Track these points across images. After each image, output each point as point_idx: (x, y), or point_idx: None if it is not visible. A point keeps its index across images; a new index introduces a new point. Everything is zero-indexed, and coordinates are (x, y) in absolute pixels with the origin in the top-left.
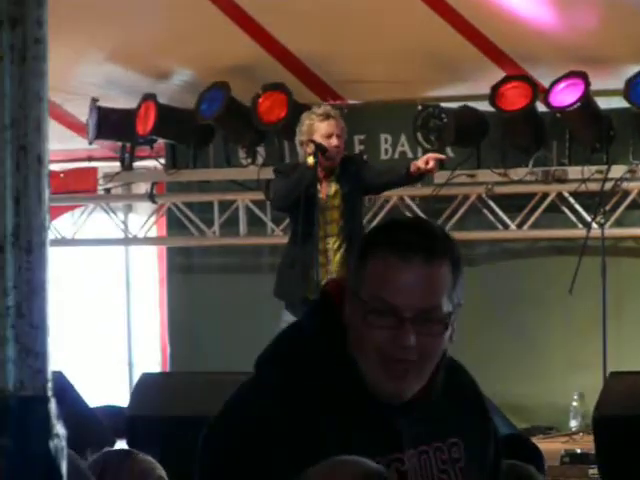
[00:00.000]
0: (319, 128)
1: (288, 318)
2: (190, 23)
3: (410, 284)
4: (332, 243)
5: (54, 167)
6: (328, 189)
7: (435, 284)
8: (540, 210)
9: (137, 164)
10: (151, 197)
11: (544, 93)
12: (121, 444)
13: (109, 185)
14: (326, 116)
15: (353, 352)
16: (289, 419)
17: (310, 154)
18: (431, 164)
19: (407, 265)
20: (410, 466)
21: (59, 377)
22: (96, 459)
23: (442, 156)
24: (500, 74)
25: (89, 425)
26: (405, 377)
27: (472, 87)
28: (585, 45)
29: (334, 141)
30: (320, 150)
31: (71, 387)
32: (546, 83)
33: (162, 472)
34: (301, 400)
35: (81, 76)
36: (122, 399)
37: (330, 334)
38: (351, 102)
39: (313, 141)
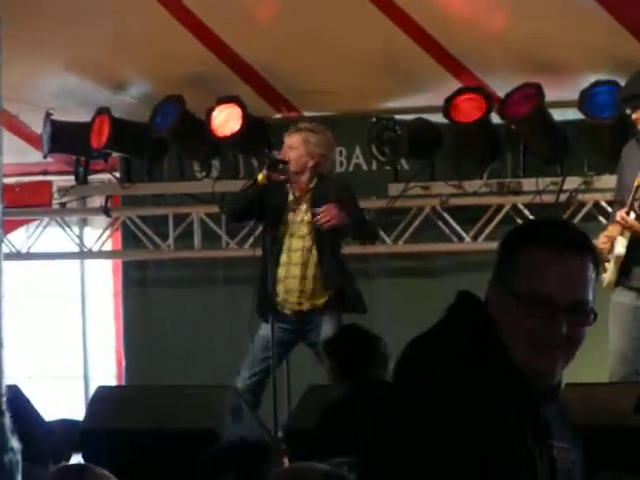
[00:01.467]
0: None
1: (263, 330)
2: (146, 34)
3: (565, 276)
4: (295, 258)
5: (8, 180)
6: (301, 205)
7: (585, 277)
8: (495, 222)
9: (92, 177)
10: (106, 211)
11: (499, 104)
12: (77, 458)
13: (64, 199)
14: (293, 130)
15: (504, 341)
16: (485, 411)
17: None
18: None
19: (562, 258)
20: (557, 453)
21: (14, 391)
22: (52, 474)
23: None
24: (455, 84)
25: (44, 439)
26: (554, 355)
27: (427, 98)
28: (541, 54)
29: (285, 153)
30: (269, 161)
31: (26, 401)
32: (501, 93)
33: None
34: (483, 392)
35: (37, 86)
36: (78, 413)
37: (479, 328)
38: (306, 113)
39: (265, 154)
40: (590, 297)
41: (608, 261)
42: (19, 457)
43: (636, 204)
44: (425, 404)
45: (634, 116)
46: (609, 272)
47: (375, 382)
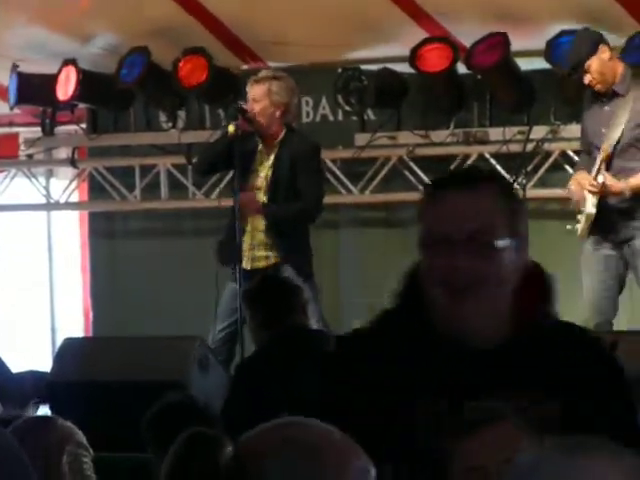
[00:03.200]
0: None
1: (230, 285)
2: None
3: (455, 208)
4: None
5: None
6: (267, 159)
7: (479, 207)
8: None
9: (58, 129)
10: (72, 162)
11: (465, 53)
12: (44, 409)
13: (30, 151)
14: (252, 82)
15: (427, 302)
16: (359, 360)
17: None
18: None
19: (450, 193)
20: (469, 412)
21: None
22: (15, 426)
23: None
24: (421, 33)
25: (12, 390)
26: (464, 300)
27: (394, 48)
28: (507, 3)
29: (250, 104)
30: (238, 112)
31: None
32: (467, 42)
33: (82, 438)
34: (374, 344)
35: (3, 38)
36: (45, 365)
37: (411, 301)
38: (272, 64)
39: (233, 104)
40: (492, 227)
41: (580, 212)
42: None
43: (602, 170)
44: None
45: (586, 81)
46: (581, 225)
47: (297, 329)
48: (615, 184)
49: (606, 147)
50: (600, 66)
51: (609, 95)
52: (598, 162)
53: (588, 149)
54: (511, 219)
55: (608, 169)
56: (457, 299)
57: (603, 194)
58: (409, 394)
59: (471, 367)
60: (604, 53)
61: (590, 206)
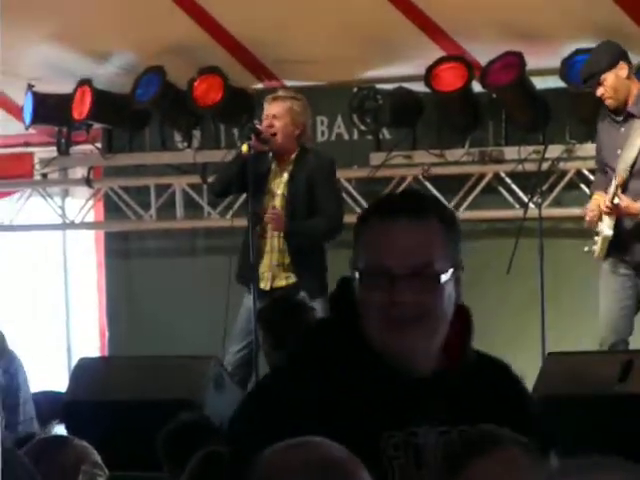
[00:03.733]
0: (264, 110)
1: (246, 302)
2: (128, 4)
3: (397, 242)
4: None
5: None
6: (281, 177)
7: (423, 240)
8: (477, 191)
9: (74, 149)
10: (88, 182)
11: (480, 72)
12: (60, 429)
13: (46, 170)
14: (271, 99)
15: (363, 326)
16: (302, 391)
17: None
18: None
19: (393, 224)
20: (425, 441)
21: None
22: (31, 446)
23: None
24: (437, 52)
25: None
26: (406, 333)
27: (409, 66)
28: (522, 21)
29: (266, 122)
30: (251, 132)
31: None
32: (483, 60)
33: (97, 457)
34: (314, 373)
35: (19, 58)
36: (61, 385)
37: (346, 322)
38: (287, 83)
39: (246, 124)
40: (433, 260)
41: (597, 234)
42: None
43: (619, 191)
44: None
45: (597, 93)
46: (598, 247)
47: None
48: (632, 205)
49: (622, 171)
50: (615, 82)
51: (624, 116)
52: (614, 185)
53: (603, 168)
54: (453, 250)
55: (624, 191)
56: (397, 333)
57: (619, 216)
58: (352, 422)
59: (407, 394)
60: (622, 70)
61: (607, 228)
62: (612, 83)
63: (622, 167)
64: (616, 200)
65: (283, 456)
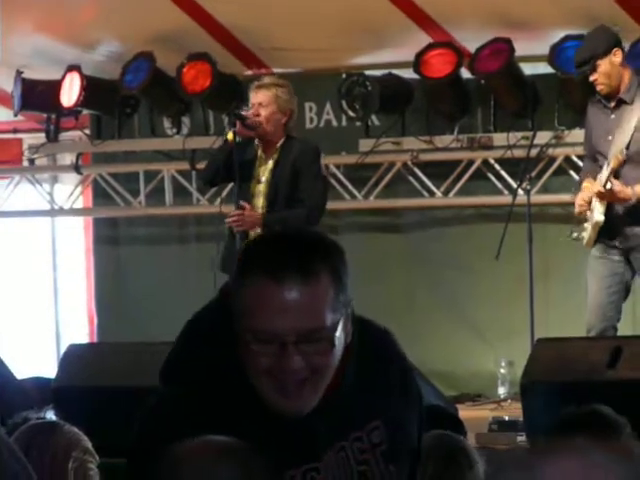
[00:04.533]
0: (250, 99)
1: None
2: None
3: (287, 307)
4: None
5: None
6: (266, 164)
7: (315, 302)
8: (466, 177)
9: (62, 135)
10: (76, 168)
11: (469, 58)
12: (49, 415)
13: (34, 156)
14: (256, 86)
15: (248, 372)
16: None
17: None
18: None
19: (281, 287)
20: (327, 471)
21: None
22: (22, 431)
23: None
24: (425, 39)
25: (16, 395)
26: (300, 395)
27: (398, 53)
28: (511, 8)
29: (252, 111)
30: (237, 118)
31: None
32: (471, 47)
33: (88, 443)
34: (204, 420)
35: (8, 45)
36: (50, 370)
37: (226, 351)
38: (276, 70)
39: (231, 111)
40: (325, 321)
41: (587, 221)
42: None
43: (611, 177)
44: (140, 434)
45: (591, 78)
46: (588, 233)
47: None
48: (623, 190)
49: (618, 153)
50: (609, 68)
51: (615, 102)
52: (608, 169)
53: (592, 155)
54: (344, 295)
55: (615, 177)
56: (289, 396)
57: (611, 201)
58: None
59: (299, 430)
60: (617, 57)
61: (598, 214)
62: (605, 69)
63: (617, 151)
64: (609, 185)
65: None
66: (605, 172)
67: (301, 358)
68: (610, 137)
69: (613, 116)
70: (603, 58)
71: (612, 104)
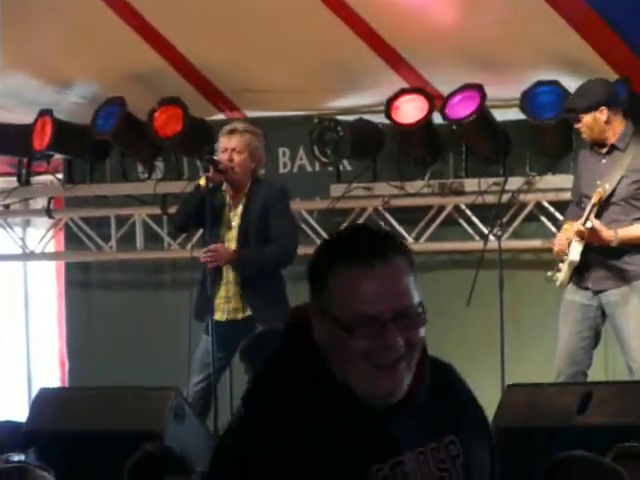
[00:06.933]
0: (219, 144)
1: (204, 337)
2: (90, 33)
3: (382, 289)
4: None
5: None
6: (235, 209)
7: (403, 282)
8: (437, 223)
9: (34, 179)
10: (48, 212)
11: (441, 104)
12: (19, 458)
13: (6, 201)
14: (229, 132)
15: (334, 368)
16: (287, 451)
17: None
18: None
19: (371, 272)
20: (411, 468)
21: None
22: None
23: None
24: (398, 81)
25: None
26: (396, 374)
27: (371, 97)
28: (484, 52)
29: (225, 155)
30: (209, 163)
31: None
32: (445, 90)
33: None
34: (294, 428)
35: None
36: (21, 415)
37: (307, 357)
38: (248, 113)
39: (204, 156)
40: (415, 299)
41: (562, 261)
42: None
43: (592, 216)
44: (228, 456)
45: (576, 126)
46: (562, 273)
47: None
48: (604, 230)
49: (600, 189)
50: (592, 124)
51: (608, 149)
52: (589, 206)
53: (579, 200)
54: (416, 278)
55: (598, 219)
56: (389, 376)
57: (590, 240)
58: (339, 463)
59: (385, 424)
60: (601, 114)
61: (574, 253)
62: (588, 123)
63: (601, 189)
64: (589, 224)
65: None
66: (587, 209)
67: (399, 335)
68: (598, 182)
69: (604, 161)
70: (586, 114)
71: (604, 150)
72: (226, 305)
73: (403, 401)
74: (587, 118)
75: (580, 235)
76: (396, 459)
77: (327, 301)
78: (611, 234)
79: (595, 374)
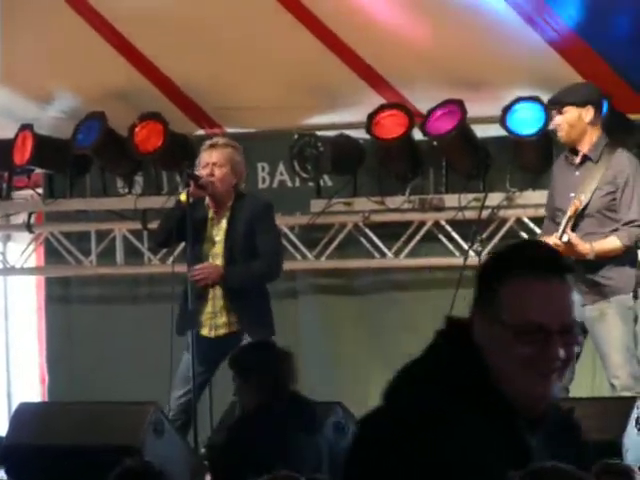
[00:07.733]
0: (200, 158)
1: (187, 352)
2: (71, 50)
3: (552, 301)
4: None
5: None
6: (218, 223)
7: (569, 299)
8: (417, 238)
9: (15, 194)
10: (28, 227)
11: (421, 120)
12: None
13: None
14: (210, 146)
15: (490, 368)
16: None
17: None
18: None
19: (548, 284)
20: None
21: None
22: None
23: None
24: (378, 99)
25: None
26: (550, 381)
27: (350, 113)
28: (464, 69)
29: (206, 170)
30: (190, 178)
31: None
32: (423, 108)
33: None
34: (469, 428)
35: None
36: (0, 430)
37: (469, 352)
38: (229, 130)
39: (184, 171)
40: (575, 316)
41: None
42: None
43: (568, 229)
44: (408, 441)
45: (554, 122)
46: None
47: (294, 398)
48: (581, 243)
49: (575, 200)
50: (575, 120)
51: (581, 159)
52: (565, 219)
53: (553, 214)
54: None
55: (573, 232)
56: (545, 382)
57: (567, 254)
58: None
59: (530, 437)
60: (588, 113)
61: None
62: (572, 118)
63: (577, 201)
64: (565, 237)
65: None
66: (563, 223)
67: (561, 348)
68: (572, 194)
69: (577, 173)
70: (573, 107)
71: (577, 160)
72: (212, 320)
73: (537, 419)
74: (572, 113)
75: (556, 247)
76: (526, 471)
77: (497, 307)
78: (587, 247)
79: (581, 390)
